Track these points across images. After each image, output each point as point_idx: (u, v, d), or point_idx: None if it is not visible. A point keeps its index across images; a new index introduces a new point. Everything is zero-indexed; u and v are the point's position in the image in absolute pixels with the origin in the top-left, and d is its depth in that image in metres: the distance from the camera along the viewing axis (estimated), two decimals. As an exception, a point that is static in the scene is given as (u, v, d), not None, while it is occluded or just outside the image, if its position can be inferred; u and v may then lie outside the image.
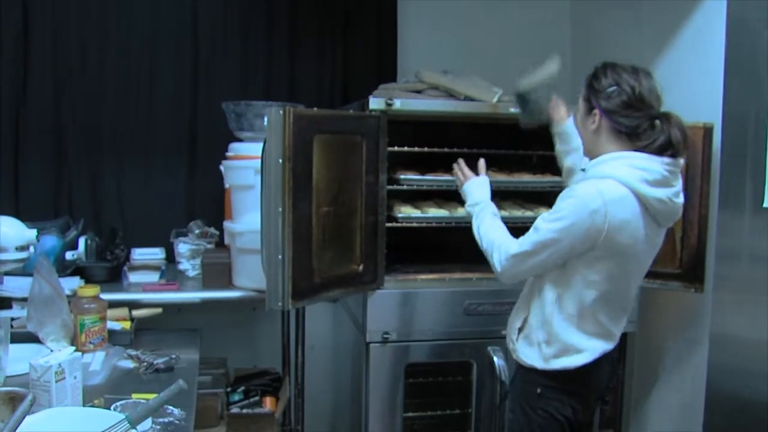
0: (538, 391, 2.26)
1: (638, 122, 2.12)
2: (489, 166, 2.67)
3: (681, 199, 2.19)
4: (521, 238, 2.22)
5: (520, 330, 2.33)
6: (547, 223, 2.14)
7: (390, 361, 2.86)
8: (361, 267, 2.76)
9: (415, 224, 2.99)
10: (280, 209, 2.42)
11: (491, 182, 2.56)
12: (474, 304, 2.90)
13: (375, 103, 2.79)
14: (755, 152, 2.47)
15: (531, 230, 2.20)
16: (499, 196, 3.07)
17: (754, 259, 2.48)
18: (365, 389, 2.87)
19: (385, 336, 2.83)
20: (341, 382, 3.55)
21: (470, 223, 3.00)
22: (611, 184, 2.07)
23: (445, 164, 3.15)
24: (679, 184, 2.17)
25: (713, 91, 2.79)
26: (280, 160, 2.40)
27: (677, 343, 3.10)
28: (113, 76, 3.48)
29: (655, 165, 2.08)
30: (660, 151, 2.10)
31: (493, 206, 2.46)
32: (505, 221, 2.39)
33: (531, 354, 2.28)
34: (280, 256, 2.44)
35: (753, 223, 2.48)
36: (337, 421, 3.67)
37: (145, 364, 2.50)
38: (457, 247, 3.49)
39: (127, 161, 3.52)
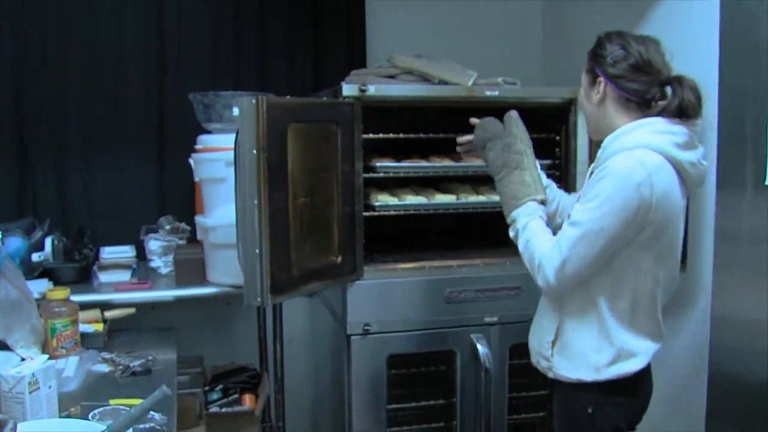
0: (590, 410, 2.04)
1: (646, 87, 1.98)
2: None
3: (706, 162, 2.05)
4: (558, 240, 1.97)
5: (554, 343, 2.11)
6: (586, 213, 1.90)
7: (372, 353, 2.79)
8: (339, 258, 2.69)
9: (392, 212, 2.91)
10: (256, 201, 2.34)
11: (470, 168, 2.48)
12: (455, 291, 2.83)
13: (348, 89, 2.71)
14: (755, 129, 2.40)
15: (566, 226, 1.96)
16: (478, 181, 3.02)
17: (756, 240, 2.41)
18: (347, 383, 2.81)
19: (366, 328, 2.76)
20: (321, 375, 3.48)
21: (449, 209, 2.95)
22: (646, 153, 1.90)
23: (421, 150, 3.12)
24: (701, 146, 2.03)
25: (701, 66, 2.75)
26: (255, 151, 2.31)
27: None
28: (77, 68, 3.35)
29: (677, 127, 1.96)
30: (675, 116, 1.98)
31: (530, 208, 2.13)
32: (485, 207, 2.29)
33: (576, 367, 2.05)
34: (257, 250, 2.36)
35: (754, 202, 2.41)
36: (319, 415, 3.60)
37: (121, 367, 2.41)
38: (436, 235, 3.47)
39: (92, 157, 3.40)
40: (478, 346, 2.80)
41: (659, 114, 1.99)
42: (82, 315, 2.67)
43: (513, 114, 2.31)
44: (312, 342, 3.66)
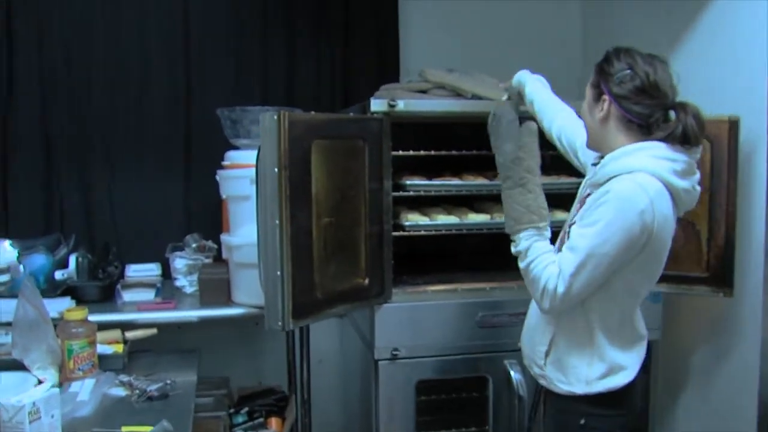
0: (582, 421, 2.04)
1: (651, 111, 1.93)
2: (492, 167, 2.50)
3: (700, 187, 2.02)
4: (560, 265, 1.94)
5: (547, 354, 2.11)
6: (588, 239, 1.88)
7: (400, 378, 2.69)
8: (366, 280, 2.59)
9: (423, 232, 2.82)
10: (277, 221, 2.25)
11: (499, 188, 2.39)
12: (488, 315, 2.72)
13: (377, 104, 2.63)
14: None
15: (566, 250, 1.95)
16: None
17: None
18: (375, 408, 2.71)
19: (395, 353, 2.67)
20: (351, 398, 3.38)
21: (482, 229, 2.86)
22: (647, 178, 1.87)
23: (452, 168, 3.01)
24: (698, 172, 2.00)
25: (739, 82, 2.63)
26: (276, 169, 2.23)
27: (704, 351, 2.92)
28: (101, 81, 3.32)
29: (678, 155, 1.91)
30: (677, 142, 1.92)
31: (532, 232, 2.07)
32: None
33: (568, 378, 2.07)
34: (278, 272, 2.27)
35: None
36: (348, 439, 3.51)
37: (137, 391, 2.33)
38: (468, 255, 3.35)
39: (119, 173, 3.36)
40: (512, 373, 2.69)
41: (662, 139, 1.93)
42: (103, 335, 2.62)
43: (533, 127, 2.20)
44: (342, 363, 3.56)
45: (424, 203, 3.02)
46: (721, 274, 2.66)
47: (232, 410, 3.13)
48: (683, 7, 2.97)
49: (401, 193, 2.77)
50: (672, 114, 1.95)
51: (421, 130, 2.95)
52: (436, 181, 2.84)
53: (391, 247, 2.66)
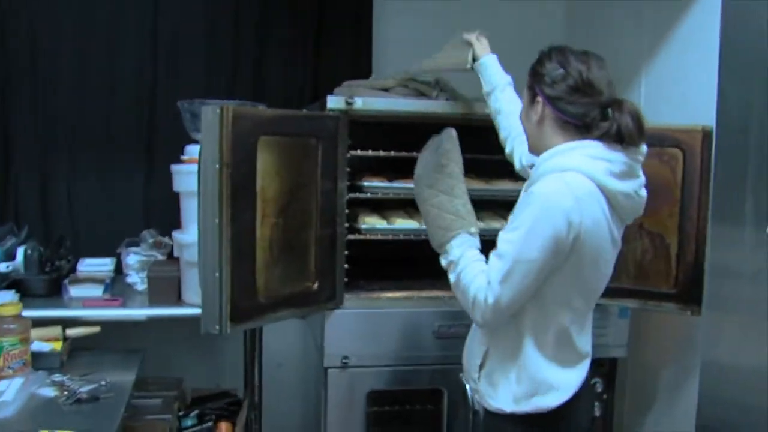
0: None
1: (585, 110, 1.83)
2: (465, 172, 2.40)
3: (645, 193, 1.91)
4: (488, 275, 1.84)
5: (481, 367, 2.01)
6: (513, 244, 1.79)
7: (350, 387, 2.59)
8: (316, 284, 2.49)
9: (380, 236, 2.71)
10: (217, 221, 2.16)
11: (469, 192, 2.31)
12: (445, 326, 2.62)
13: (334, 101, 2.53)
14: (758, 160, 2.15)
15: (493, 257, 1.85)
16: (477, 206, 2.79)
17: (753, 279, 2.14)
18: (324, 418, 2.61)
19: (345, 360, 2.57)
20: (308, 404, 3.25)
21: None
22: (577, 178, 1.78)
23: None
24: (642, 176, 1.89)
25: (712, 92, 2.52)
26: (217, 166, 2.14)
27: (671, 369, 2.82)
28: (67, 73, 3.24)
29: (615, 155, 1.81)
30: (615, 141, 1.82)
31: (463, 239, 1.99)
32: (485, 235, 2.08)
33: (497, 395, 1.96)
34: (216, 274, 2.18)
35: (754, 238, 2.15)
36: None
37: (66, 393, 2.24)
38: (428, 262, 3.21)
39: (80, 164, 3.28)
40: (468, 386, 2.55)
41: (599, 138, 1.82)
42: (42, 332, 2.54)
43: (453, 133, 2.14)
44: (303, 368, 3.45)
45: (388, 206, 2.92)
46: (689, 291, 2.54)
47: (181, 413, 3.04)
48: (666, 9, 2.86)
49: (358, 195, 2.67)
50: (609, 111, 1.84)
51: (388, 130, 2.83)
52: (396, 184, 2.73)
53: (344, 250, 2.56)
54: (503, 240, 1.83)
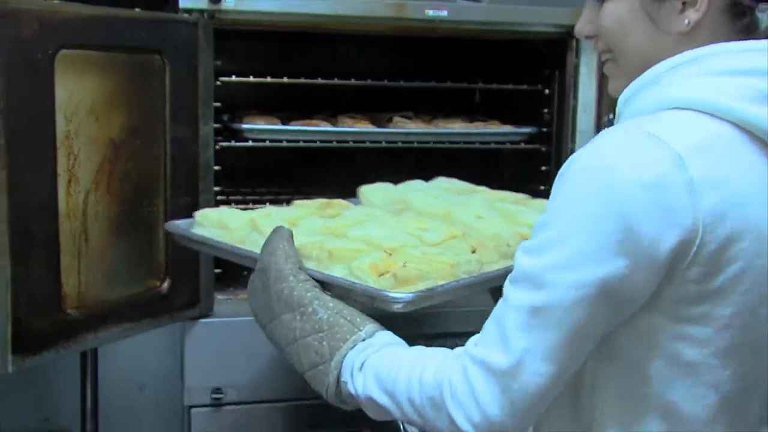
0: None
1: None
2: (403, 108, 1.72)
3: None
4: (469, 345, 1.06)
5: None
6: (536, 266, 0.99)
7: (226, 433, 1.93)
8: (166, 283, 1.82)
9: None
10: (-13, 188, 1.46)
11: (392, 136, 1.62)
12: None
13: (190, 0, 1.79)
14: None
15: (500, 305, 1.03)
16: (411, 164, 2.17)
17: None
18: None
19: (216, 396, 1.89)
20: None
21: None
22: (684, 119, 0.99)
23: (328, 106, 2.25)
24: None
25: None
26: (-23, 98, 1.43)
27: None
28: None
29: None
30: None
31: (368, 342, 1.20)
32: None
33: None
34: (-13, 275, 1.48)
35: None
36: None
37: None
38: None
39: None
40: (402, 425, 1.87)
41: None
42: None
43: (285, 232, 1.35)
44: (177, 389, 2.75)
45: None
46: None
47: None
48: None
49: (233, 144, 1.97)
50: None
51: (282, 46, 2.16)
52: (292, 126, 2.04)
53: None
54: (520, 260, 1.03)
